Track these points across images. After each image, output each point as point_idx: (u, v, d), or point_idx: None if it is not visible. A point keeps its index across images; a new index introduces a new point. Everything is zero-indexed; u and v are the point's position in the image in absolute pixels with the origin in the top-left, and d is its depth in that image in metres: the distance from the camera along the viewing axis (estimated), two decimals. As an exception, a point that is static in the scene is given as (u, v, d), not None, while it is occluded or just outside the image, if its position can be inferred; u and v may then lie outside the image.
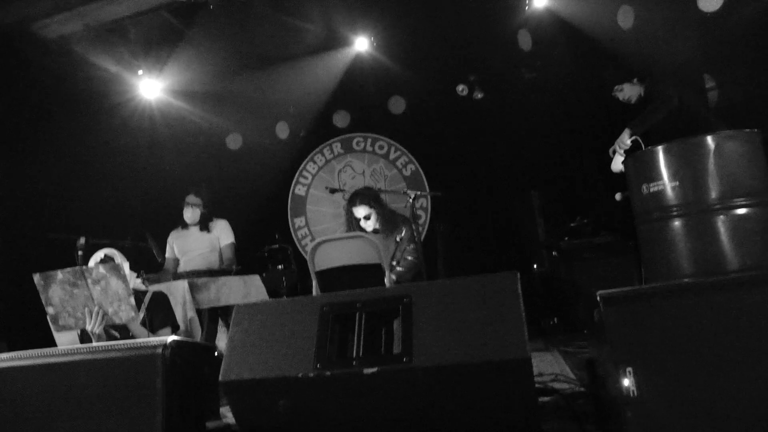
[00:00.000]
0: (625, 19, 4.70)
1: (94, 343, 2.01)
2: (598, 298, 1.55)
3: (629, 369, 1.47)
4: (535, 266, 5.10)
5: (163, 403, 1.77)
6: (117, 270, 2.72)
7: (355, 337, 1.73)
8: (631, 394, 1.45)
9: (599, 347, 1.68)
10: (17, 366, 1.99)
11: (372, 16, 4.87)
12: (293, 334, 1.77)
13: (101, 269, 2.74)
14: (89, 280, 2.78)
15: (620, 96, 3.83)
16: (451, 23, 5.11)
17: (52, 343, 3.68)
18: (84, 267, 2.81)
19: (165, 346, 1.84)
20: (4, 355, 2.05)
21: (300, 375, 1.68)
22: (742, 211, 2.98)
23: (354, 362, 1.67)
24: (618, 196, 3.61)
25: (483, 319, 1.64)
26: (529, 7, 4.68)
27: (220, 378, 1.76)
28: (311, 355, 1.70)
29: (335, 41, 5.10)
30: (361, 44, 5.13)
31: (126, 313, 2.80)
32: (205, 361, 2.06)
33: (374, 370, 1.64)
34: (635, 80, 3.75)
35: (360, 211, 4.33)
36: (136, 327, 2.92)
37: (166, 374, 1.80)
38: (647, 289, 1.50)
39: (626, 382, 1.47)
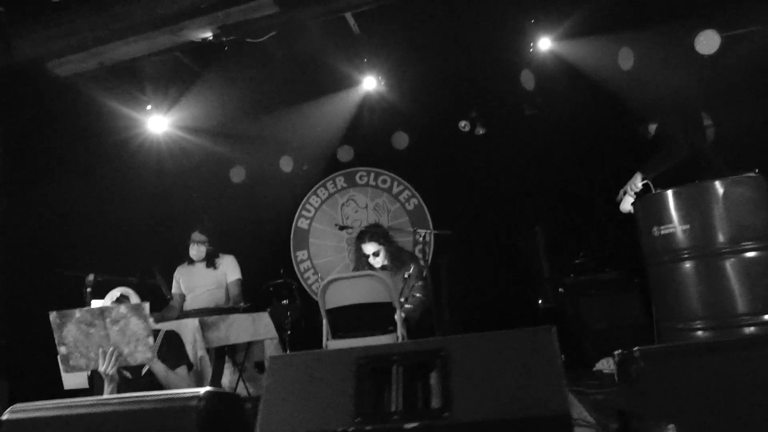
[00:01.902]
0: (625, 60, 4.85)
1: (125, 394, 1.99)
2: (636, 354, 1.58)
3: (671, 426, 1.49)
4: (540, 301, 5.14)
5: (198, 458, 1.76)
6: (140, 310, 2.72)
7: (393, 391, 1.74)
8: (673, 452, 1.47)
9: (634, 401, 1.70)
10: (41, 417, 1.97)
11: (380, 56, 4.99)
12: (330, 388, 1.78)
13: (122, 309, 2.74)
14: (108, 320, 2.76)
15: (649, 136, 3.94)
16: (456, 62, 5.23)
17: (56, 383, 3.66)
18: (104, 306, 2.81)
19: (200, 397, 1.83)
20: (27, 405, 2.03)
21: (340, 430, 1.68)
22: (750, 254, 3.06)
23: (394, 416, 1.68)
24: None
25: (521, 374, 1.66)
26: (533, 50, 4.81)
27: (257, 432, 1.76)
28: (350, 409, 1.70)
29: (343, 82, 5.20)
30: (369, 83, 5.23)
31: (142, 354, 2.79)
32: (233, 413, 2.05)
33: (415, 425, 1.64)
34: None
35: (369, 248, 4.37)
36: (157, 366, 2.90)
37: (201, 427, 1.79)
38: (686, 345, 1.54)
39: (667, 439, 1.49)
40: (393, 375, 1.78)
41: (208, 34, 3.85)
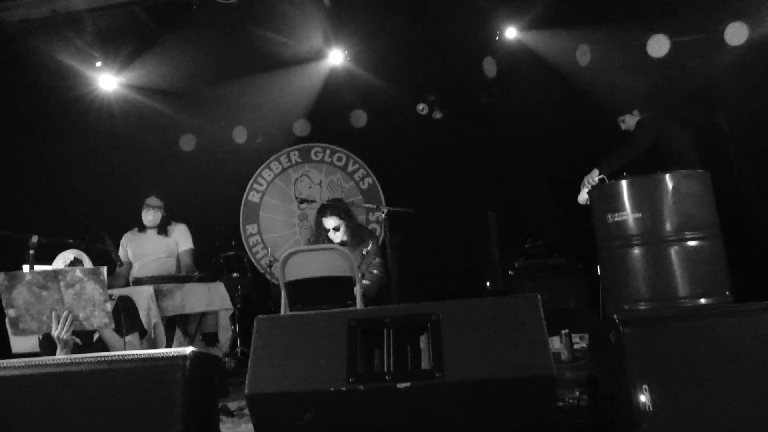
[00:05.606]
0: (583, 56, 5.05)
1: (104, 353, 1.92)
2: (616, 320, 1.70)
3: (645, 386, 1.62)
4: (488, 284, 5.32)
5: (183, 418, 1.73)
6: (97, 274, 2.62)
7: (384, 353, 1.78)
8: (647, 409, 1.60)
9: (608, 366, 1.83)
10: (12, 375, 1.87)
11: (346, 32, 4.94)
12: (321, 348, 1.80)
13: (78, 273, 2.64)
14: (62, 283, 2.66)
15: (622, 126, 4.11)
16: (421, 45, 5.27)
17: (2, 345, 3.46)
18: (58, 269, 2.70)
19: (185, 357, 1.80)
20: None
21: (332, 389, 1.71)
22: (693, 243, 3.31)
23: (387, 377, 1.72)
24: None
25: (509, 337, 1.74)
26: (500, 38, 4.92)
27: (247, 391, 1.75)
28: (342, 369, 1.74)
29: (308, 55, 5.11)
30: (335, 58, 5.17)
31: (99, 319, 2.70)
32: (213, 373, 2.03)
33: (407, 384, 1.70)
34: (635, 111, 4.04)
35: (330, 222, 4.36)
36: (108, 333, 2.84)
37: (186, 386, 1.76)
38: (663, 312, 1.67)
39: (642, 397, 1.62)
40: (384, 337, 1.82)
41: (177, -11, 3.68)
